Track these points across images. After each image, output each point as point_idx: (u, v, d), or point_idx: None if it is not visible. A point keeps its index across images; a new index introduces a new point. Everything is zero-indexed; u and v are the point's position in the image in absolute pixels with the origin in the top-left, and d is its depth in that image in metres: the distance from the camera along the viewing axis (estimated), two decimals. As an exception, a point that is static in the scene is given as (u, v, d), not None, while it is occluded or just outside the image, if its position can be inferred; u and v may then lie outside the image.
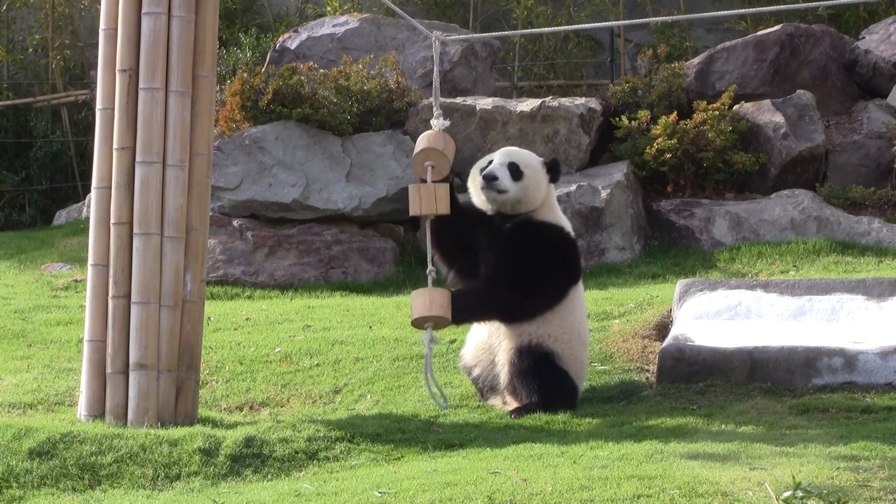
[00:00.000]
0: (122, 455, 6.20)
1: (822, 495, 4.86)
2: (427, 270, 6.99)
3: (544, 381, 6.85)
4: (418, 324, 6.83)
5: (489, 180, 6.94)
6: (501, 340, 6.98)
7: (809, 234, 10.88)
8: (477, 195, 7.10)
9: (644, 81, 12.06)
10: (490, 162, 7.06)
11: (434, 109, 7.17)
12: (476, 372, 7.14)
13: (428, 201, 6.84)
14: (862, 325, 7.54)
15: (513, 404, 6.97)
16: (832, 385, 6.91)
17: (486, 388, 7.14)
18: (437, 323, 6.80)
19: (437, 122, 7.09)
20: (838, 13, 13.89)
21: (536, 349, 6.87)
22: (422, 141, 6.99)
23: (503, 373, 6.97)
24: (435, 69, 7.38)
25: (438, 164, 6.92)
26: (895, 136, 11.44)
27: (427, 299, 6.81)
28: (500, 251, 6.97)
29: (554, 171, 7.11)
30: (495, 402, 7.10)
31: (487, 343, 7.06)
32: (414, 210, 6.91)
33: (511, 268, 6.93)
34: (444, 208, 6.86)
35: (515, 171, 6.98)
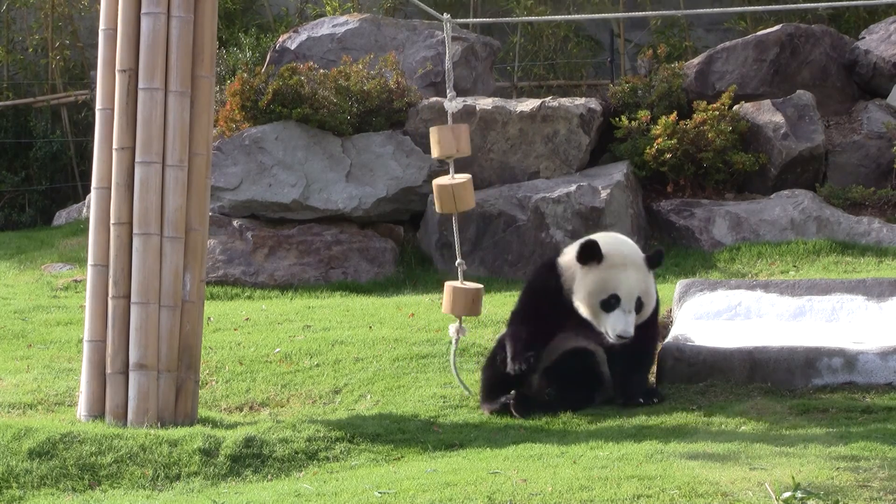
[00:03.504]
0: (121, 455, 6.20)
1: (822, 495, 4.86)
2: (456, 263, 7.35)
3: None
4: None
5: (625, 339, 6.67)
6: None
7: (809, 235, 10.86)
8: (589, 316, 6.73)
9: (644, 81, 12.05)
10: (614, 297, 6.65)
11: (448, 92, 7.39)
12: None
13: (455, 199, 7.20)
14: (862, 326, 7.53)
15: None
16: (832, 385, 6.91)
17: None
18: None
19: (452, 104, 7.37)
20: (838, 13, 13.87)
21: None
22: (435, 141, 7.28)
23: None
24: (447, 52, 7.61)
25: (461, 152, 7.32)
26: (895, 136, 11.44)
27: (469, 298, 7.18)
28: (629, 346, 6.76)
29: (653, 262, 6.87)
30: None
31: None
32: (444, 209, 7.29)
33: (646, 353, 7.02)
34: (468, 205, 7.26)
35: (638, 305, 6.73)
